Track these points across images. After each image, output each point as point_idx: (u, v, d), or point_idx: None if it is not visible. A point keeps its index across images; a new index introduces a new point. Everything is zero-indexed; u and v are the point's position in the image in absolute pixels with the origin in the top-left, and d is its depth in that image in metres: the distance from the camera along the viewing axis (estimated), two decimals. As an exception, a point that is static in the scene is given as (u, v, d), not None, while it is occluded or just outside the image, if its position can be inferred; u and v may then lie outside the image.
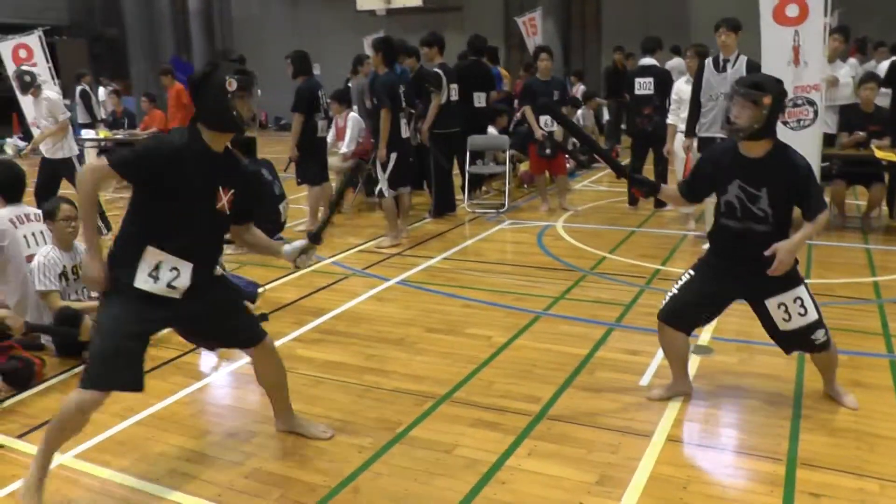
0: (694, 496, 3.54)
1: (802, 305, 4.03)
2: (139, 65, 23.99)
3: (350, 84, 12.07)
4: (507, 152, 10.68)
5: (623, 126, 14.40)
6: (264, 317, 5.99)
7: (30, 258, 5.42)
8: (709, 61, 7.87)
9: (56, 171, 9.12)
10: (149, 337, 3.60)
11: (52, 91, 9.72)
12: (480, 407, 4.45)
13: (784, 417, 4.21)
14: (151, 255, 3.46)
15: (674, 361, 4.45)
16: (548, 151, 9.73)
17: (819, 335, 4.09)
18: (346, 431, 4.20)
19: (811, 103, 7.76)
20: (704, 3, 18.01)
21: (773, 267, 3.89)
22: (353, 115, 10.48)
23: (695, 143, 7.94)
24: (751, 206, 3.98)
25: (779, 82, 3.97)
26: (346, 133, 10.36)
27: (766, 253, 3.89)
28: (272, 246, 4.03)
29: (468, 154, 10.33)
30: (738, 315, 5.16)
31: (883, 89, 9.20)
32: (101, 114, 16.64)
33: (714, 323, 5.42)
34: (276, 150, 14.30)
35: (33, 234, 5.55)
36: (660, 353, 4.86)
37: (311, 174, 9.14)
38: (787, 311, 4.03)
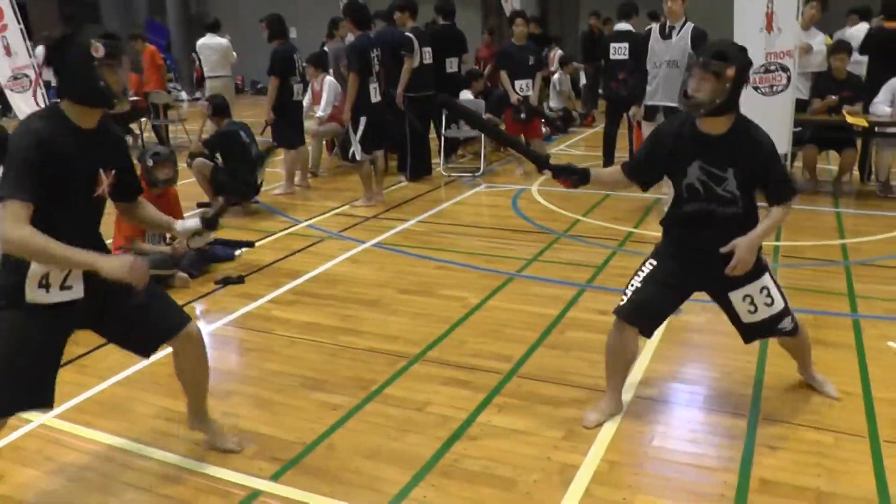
0: (658, 450, 3.67)
1: (769, 295, 3.68)
2: (112, 26, 23.55)
3: (326, 48, 12.05)
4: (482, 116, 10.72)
5: (600, 90, 14.46)
6: (241, 279, 6.07)
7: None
8: (655, 28, 7.81)
9: None
10: (58, 349, 3.21)
11: None
12: (452, 366, 4.55)
13: (748, 375, 4.34)
14: (35, 266, 2.98)
15: (617, 371, 3.92)
16: (523, 116, 9.78)
17: (786, 323, 3.77)
18: (320, 390, 4.29)
19: (784, 69, 7.87)
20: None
21: (731, 265, 3.52)
22: (330, 78, 10.47)
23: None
24: (716, 188, 3.56)
25: (743, 51, 3.50)
26: (322, 97, 10.36)
27: (723, 250, 3.53)
28: (165, 222, 3.60)
29: (444, 118, 10.37)
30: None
31: (858, 56, 9.28)
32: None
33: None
34: (252, 112, 14.28)
35: None
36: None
37: (287, 137, 9.16)
38: (752, 302, 3.69)
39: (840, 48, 8.69)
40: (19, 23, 11.48)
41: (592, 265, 6.27)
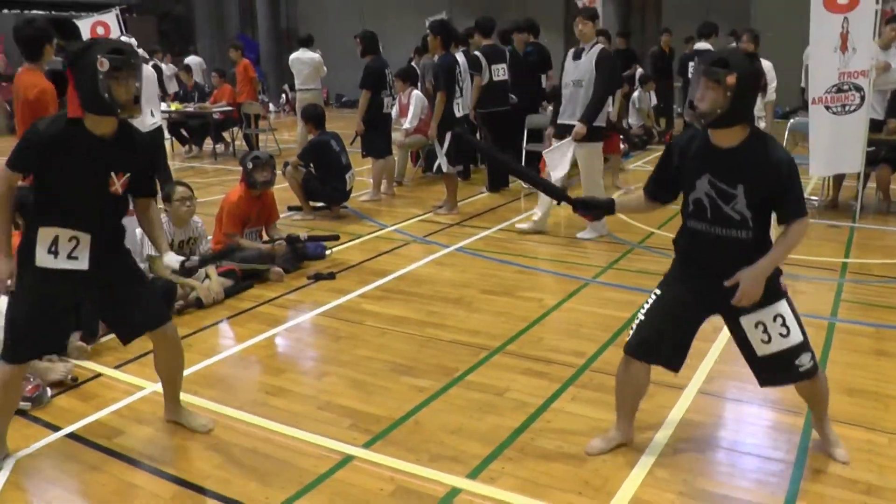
0: (719, 440, 3.95)
1: (784, 324, 3.41)
2: (205, 41, 24.78)
3: (413, 63, 12.51)
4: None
5: (679, 109, 14.62)
6: (332, 275, 6.50)
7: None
8: (572, 50, 7.82)
9: None
10: (66, 308, 3.73)
11: None
12: (530, 358, 4.89)
13: (809, 377, 4.57)
14: (46, 232, 3.50)
15: (625, 403, 3.84)
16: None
17: (804, 360, 3.47)
18: (408, 374, 4.67)
19: (857, 89, 8.03)
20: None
21: (736, 297, 3.34)
22: (417, 92, 10.90)
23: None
24: (724, 207, 3.35)
25: (750, 58, 3.29)
26: (409, 110, 10.80)
27: (728, 283, 3.35)
28: (159, 241, 3.89)
29: (525, 132, 10.70)
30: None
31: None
32: (170, 88, 17.26)
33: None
34: (337, 125, 14.70)
35: None
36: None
37: (376, 148, 9.66)
38: (765, 330, 3.43)
39: None
40: (123, 35, 12.19)
41: (664, 274, 6.50)
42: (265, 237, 6.98)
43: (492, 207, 9.27)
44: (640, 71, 15.60)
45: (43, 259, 3.51)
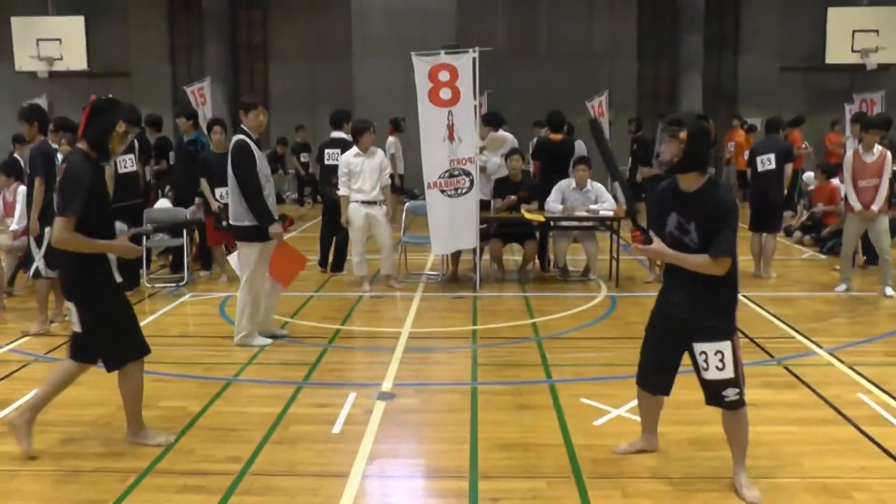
0: (390, 522, 3.95)
1: (722, 360, 4.06)
2: None
3: (17, 155, 11.34)
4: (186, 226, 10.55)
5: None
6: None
7: None
8: (253, 145, 7.07)
9: None
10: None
11: None
12: (184, 474, 4.55)
13: (463, 442, 4.80)
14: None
15: (644, 417, 4.65)
16: (224, 224, 9.82)
17: (730, 393, 4.10)
18: (46, 520, 4.14)
19: (467, 174, 8.80)
20: (365, 76, 19.43)
21: (633, 240, 4.24)
22: (23, 188, 9.64)
23: None
24: (683, 238, 4.08)
25: (701, 119, 4.15)
26: (15, 208, 9.44)
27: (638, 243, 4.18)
28: None
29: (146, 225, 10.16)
30: (417, 362, 5.78)
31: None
32: None
33: (394, 371, 6.04)
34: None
35: None
36: (347, 404, 5.48)
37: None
38: (706, 360, 4.09)
39: (512, 152, 9.78)
40: None
41: (306, 363, 6.52)
42: None
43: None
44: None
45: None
